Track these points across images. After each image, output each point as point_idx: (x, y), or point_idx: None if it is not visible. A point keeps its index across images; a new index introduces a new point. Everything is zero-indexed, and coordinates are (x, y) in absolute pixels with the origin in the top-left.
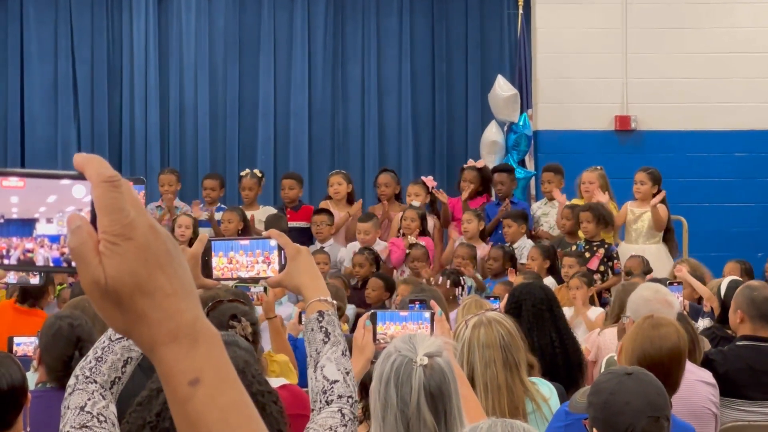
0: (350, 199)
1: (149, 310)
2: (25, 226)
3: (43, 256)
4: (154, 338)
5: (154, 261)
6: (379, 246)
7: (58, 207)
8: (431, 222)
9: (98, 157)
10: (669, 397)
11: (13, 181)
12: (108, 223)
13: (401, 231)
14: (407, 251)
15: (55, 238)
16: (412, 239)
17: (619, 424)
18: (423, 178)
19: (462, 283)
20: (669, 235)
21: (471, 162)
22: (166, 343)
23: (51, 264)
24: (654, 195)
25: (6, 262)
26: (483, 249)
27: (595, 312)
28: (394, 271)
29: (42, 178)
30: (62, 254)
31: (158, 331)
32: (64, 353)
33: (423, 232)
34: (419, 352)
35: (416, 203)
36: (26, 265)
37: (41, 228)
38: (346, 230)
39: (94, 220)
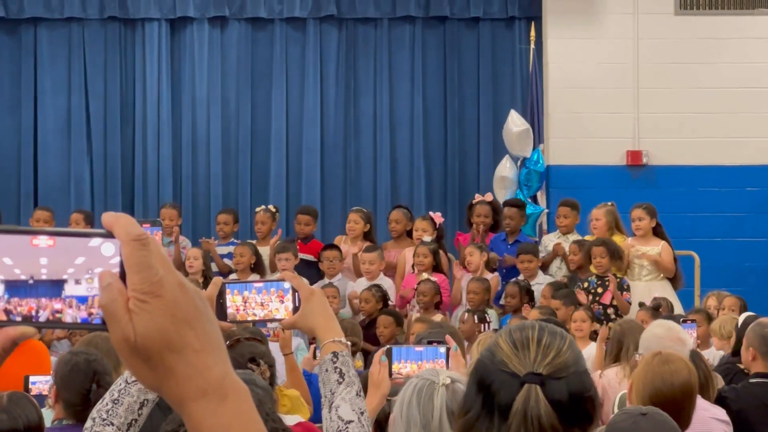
0: (369, 238)
1: (178, 367)
2: (53, 287)
3: (71, 316)
4: (182, 394)
5: (182, 318)
6: (385, 283)
7: (87, 267)
8: (444, 259)
9: (126, 216)
10: None
11: (43, 240)
12: (137, 281)
13: (414, 267)
14: (415, 287)
15: (83, 299)
16: (425, 275)
17: None
18: (431, 213)
19: (487, 319)
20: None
21: (479, 197)
22: (195, 399)
23: (78, 321)
24: (653, 229)
25: (35, 322)
26: (492, 279)
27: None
28: (407, 306)
29: (71, 237)
30: (90, 315)
31: (187, 387)
32: (82, 387)
33: (436, 268)
34: (441, 376)
35: (427, 239)
36: (55, 323)
37: (70, 289)
38: (354, 267)
39: (123, 278)
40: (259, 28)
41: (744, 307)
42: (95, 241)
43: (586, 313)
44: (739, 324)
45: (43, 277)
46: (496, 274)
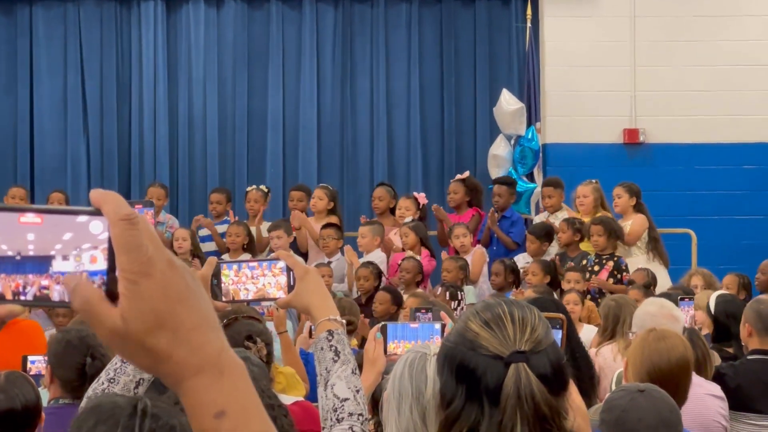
0: (333, 214)
1: (173, 347)
2: (41, 263)
3: (58, 292)
4: (178, 373)
5: (174, 296)
6: (378, 256)
7: (74, 244)
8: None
9: (115, 194)
10: (680, 412)
11: (30, 218)
12: (126, 262)
13: (402, 247)
14: (399, 263)
15: None
16: (410, 253)
17: None
18: (415, 194)
19: (459, 297)
20: (656, 246)
21: (458, 176)
22: (191, 376)
23: (66, 299)
24: (633, 207)
25: (22, 298)
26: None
27: (590, 331)
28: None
29: (59, 214)
30: None
31: (182, 365)
32: (77, 362)
33: (425, 244)
34: (432, 349)
35: (409, 218)
36: (43, 300)
37: (57, 265)
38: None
39: (112, 257)
40: (255, 6)
41: (744, 286)
42: (83, 218)
43: (578, 296)
44: (711, 306)
45: (31, 253)
46: (480, 248)
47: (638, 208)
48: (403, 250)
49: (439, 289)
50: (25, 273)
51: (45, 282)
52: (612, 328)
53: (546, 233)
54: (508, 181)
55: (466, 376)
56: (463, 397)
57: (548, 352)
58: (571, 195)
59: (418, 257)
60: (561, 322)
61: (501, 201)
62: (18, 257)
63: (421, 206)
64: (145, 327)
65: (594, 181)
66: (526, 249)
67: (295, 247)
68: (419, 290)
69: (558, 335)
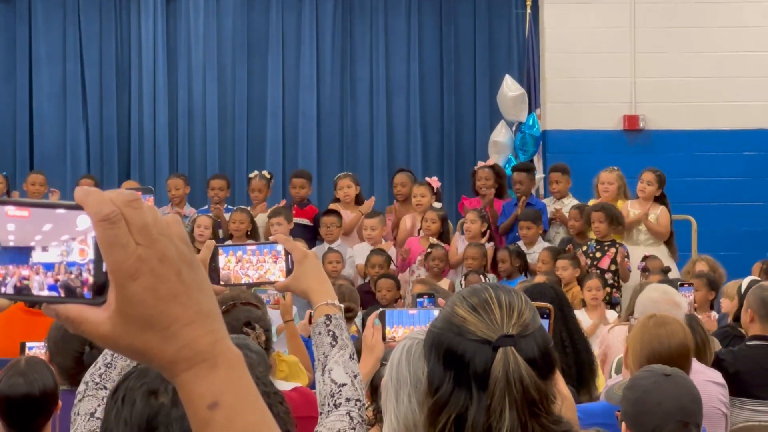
0: (359, 201)
1: (163, 344)
2: (21, 254)
3: (38, 282)
4: (172, 367)
5: (166, 294)
6: (386, 247)
7: (54, 235)
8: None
9: (97, 192)
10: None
11: (17, 212)
12: (111, 265)
13: (420, 232)
14: (428, 251)
15: (49, 266)
16: (433, 240)
17: (647, 423)
18: (428, 179)
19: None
20: (669, 238)
21: (481, 163)
22: (185, 369)
23: (45, 290)
24: (657, 198)
25: (3, 289)
26: (488, 249)
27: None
28: (409, 269)
29: (46, 208)
30: (56, 281)
31: (175, 360)
32: (75, 349)
33: (443, 236)
34: None
35: (437, 205)
36: (23, 293)
37: (37, 256)
38: (358, 230)
39: (99, 258)
40: None
41: (766, 272)
42: (70, 212)
43: (600, 281)
44: (742, 288)
45: (11, 244)
46: (491, 243)
47: (662, 200)
48: (425, 236)
49: (469, 277)
50: (5, 264)
51: (25, 272)
52: (631, 311)
53: (539, 217)
54: (527, 168)
55: (454, 362)
56: (451, 383)
57: (536, 336)
58: (593, 181)
59: (442, 245)
60: (548, 311)
61: (522, 188)
62: None
63: (435, 190)
64: (134, 329)
65: (616, 168)
66: (521, 236)
67: (294, 233)
68: (427, 277)
69: (545, 324)
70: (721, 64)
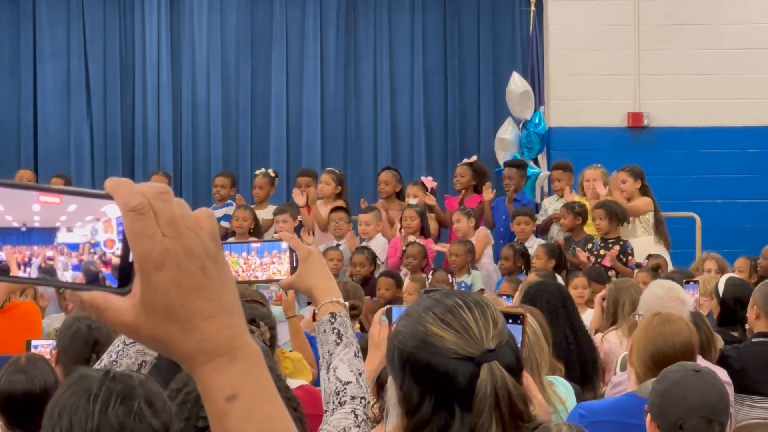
0: (341, 198)
1: (185, 336)
2: (46, 235)
3: (62, 263)
4: (192, 359)
5: (190, 286)
6: (380, 241)
7: (79, 216)
8: (432, 224)
9: (126, 184)
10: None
11: (49, 198)
12: (138, 255)
13: (401, 230)
14: (404, 249)
15: (74, 246)
16: (411, 238)
17: (671, 415)
18: (423, 178)
19: (450, 281)
20: (660, 228)
21: (466, 160)
22: (204, 362)
23: (70, 269)
24: (639, 190)
25: (28, 269)
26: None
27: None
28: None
29: (79, 196)
30: (80, 261)
31: (196, 352)
32: (81, 355)
33: (424, 232)
34: None
35: (413, 201)
36: (48, 272)
37: (62, 237)
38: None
39: (126, 248)
40: None
41: (756, 269)
42: (101, 201)
43: (586, 279)
44: (720, 289)
45: (36, 225)
46: (484, 230)
47: (643, 191)
48: (404, 234)
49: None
50: (30, 244)
51: (50, 253)
52: (613, 312)
53: (530, 213)
54: (518, 164)
55: (435, 381)
56: (431, 402)
57: (509, 342)
58: (578, 178)
59: (421, 242)
60: (521, 317)
61: (512, 183)
62: (24, 228)
63: (429, 189)
64: (156, 320)
65: (599, 165)
66: (517, 231)
67: (299, 232)
68: (419, 275)
69: (518, 331)
70: (726, 61)
